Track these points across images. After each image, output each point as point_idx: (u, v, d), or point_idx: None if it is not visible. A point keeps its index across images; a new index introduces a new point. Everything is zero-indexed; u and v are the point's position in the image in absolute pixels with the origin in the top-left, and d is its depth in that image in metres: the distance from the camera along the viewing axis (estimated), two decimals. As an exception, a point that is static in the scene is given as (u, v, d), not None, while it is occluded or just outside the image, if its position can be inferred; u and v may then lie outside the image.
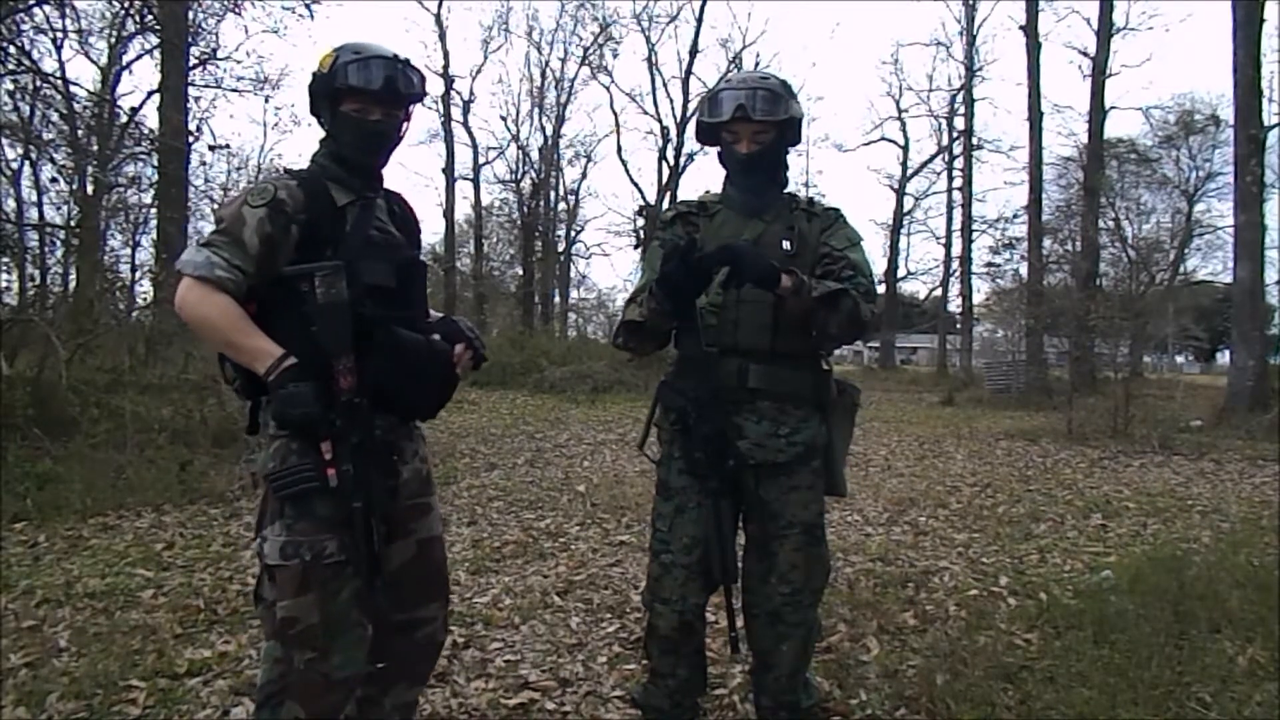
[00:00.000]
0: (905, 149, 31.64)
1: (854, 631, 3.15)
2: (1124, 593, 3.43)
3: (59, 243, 9.14)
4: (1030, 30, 18.60)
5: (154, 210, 10.20)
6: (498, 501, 5.64)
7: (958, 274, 28.21)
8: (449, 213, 26.09)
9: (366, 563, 1.68)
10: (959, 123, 28.13)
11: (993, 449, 9.12)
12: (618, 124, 28.16)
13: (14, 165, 10.73)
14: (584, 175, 30.44)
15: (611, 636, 3.13)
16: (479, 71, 32.29)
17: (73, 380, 6.40)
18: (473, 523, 4.99)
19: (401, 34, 34.88)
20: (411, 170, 35.25)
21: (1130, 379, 12.03)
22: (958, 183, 28.19)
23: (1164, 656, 2.69)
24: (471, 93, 27.23)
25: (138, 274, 10.54)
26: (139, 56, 12.80)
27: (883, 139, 31.71)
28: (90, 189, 9.37)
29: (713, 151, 2.23)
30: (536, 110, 27.07)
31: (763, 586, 2.18)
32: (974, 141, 26.91)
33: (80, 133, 9.54)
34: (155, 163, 10.04)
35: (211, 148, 9.76)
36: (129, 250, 10.63)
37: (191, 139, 9.78)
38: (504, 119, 33.25)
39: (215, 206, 11.53)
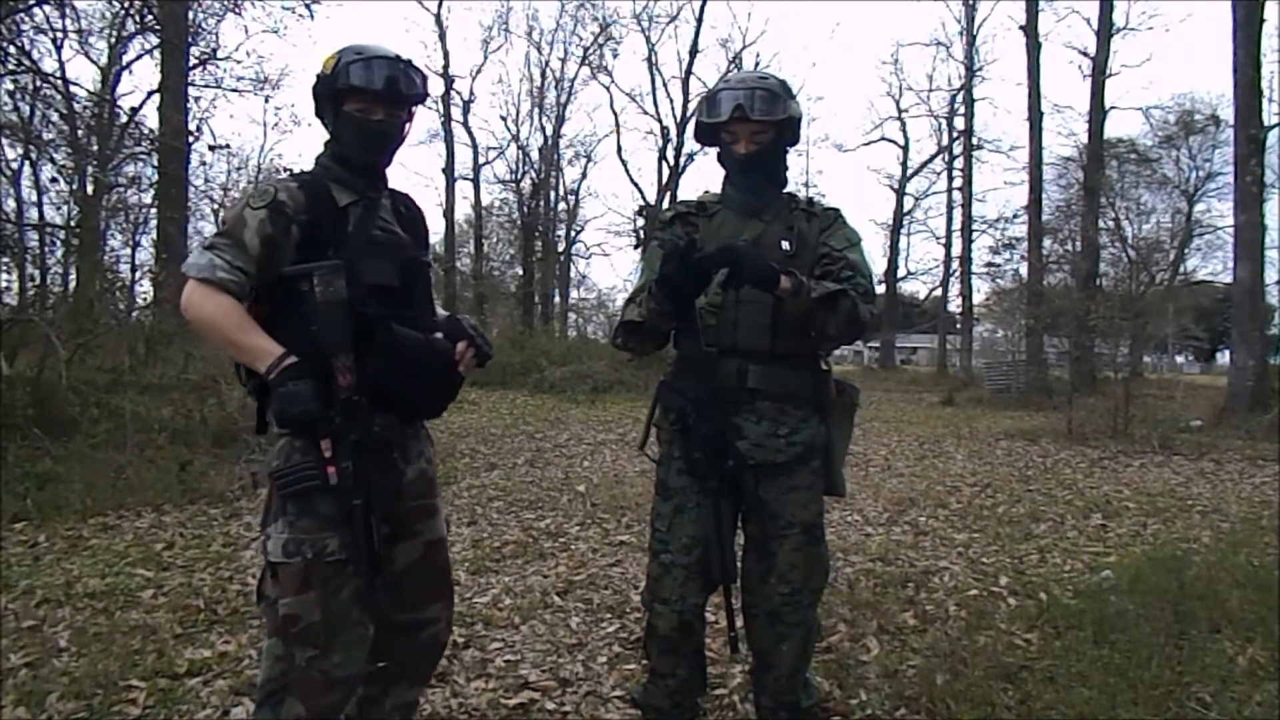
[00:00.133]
0: (905, 149, 31.69)
1: (854, 631, 3.15)
2: (1124, 593, 3.43)
3: (59, 243, 9.14)
4: (1030, 30, 18.60)
5: (154, 210, 10.21)
6: (498, 501, 5.64)
7: (958, 274, 28.24)
8: (449, 213, 26.11)
9: (367, 561, 1.68)
10: (959, 123, 28.16)
11: (993, 449, 9.12)
12: (618, 124, 28.20)
13: (14, 165, 10.75)
14: (584, 175, 30.49)
15: (611, 636, 3.13)
16: (479, 71, 32.33)
17: (73, 380, 6.40)
18: (473, 523, 4.99)
19: (401, 34, 34.93)
20: (411, 170, 35.18)
21: (1130, 379, 12.04)
22: (958, 183, 28.21)
23: (1164, 656, 2.69)
24: (471, 93, 27.25)
25: (138, 274, 10.58)
26: (139, 56, 12.83)
27: (883, 139, 31.75)
28: (90, 189, 9.37)
29: (712, 152, 2.22)
30: (536, 110, 27.11)
31: (762, 586, 2.18)
32: (974, 141, 26.94)
33: (80, 133, 9.54)
34: (155, 163, 10.06)
35: (211, 148, 9.80)
36: (129, 250, 10.65)
37: (191, 139, 9.80)
38: (504, 119, 33.29)
39: (215, 206, 11.58)
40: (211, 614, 3.24)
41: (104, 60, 12.71)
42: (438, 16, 25.58)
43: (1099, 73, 18.45)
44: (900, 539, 4.77)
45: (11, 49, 7.66)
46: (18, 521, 4.56)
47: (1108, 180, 20.19)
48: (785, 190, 2.25)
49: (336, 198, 1.82)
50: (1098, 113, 18.53)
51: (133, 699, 2.50)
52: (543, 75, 26.61)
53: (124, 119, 10.26)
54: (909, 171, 31.67)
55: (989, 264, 27.32)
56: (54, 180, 9.57)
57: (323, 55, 1.82)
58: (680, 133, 25.38)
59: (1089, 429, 10.12)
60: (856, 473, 7.01)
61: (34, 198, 11.30)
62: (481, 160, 27.21)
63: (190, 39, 10.87)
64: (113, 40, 11.99)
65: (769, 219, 2.17)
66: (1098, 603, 3.31)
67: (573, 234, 29.44)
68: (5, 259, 8.62)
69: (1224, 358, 27.39)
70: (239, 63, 13.55)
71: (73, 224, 8.96)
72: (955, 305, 29.79)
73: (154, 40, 11.13)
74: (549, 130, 27.05)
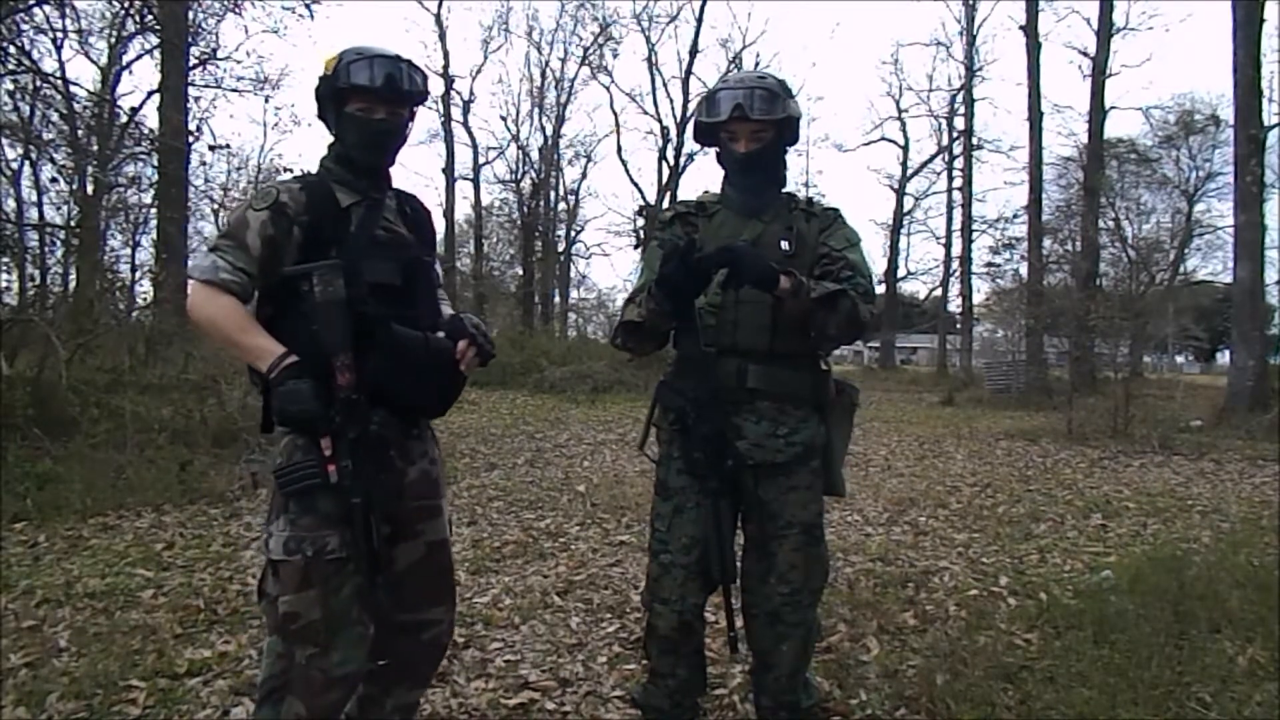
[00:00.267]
0: (905, 149, 31.69)
1: (854, 631, 3.15)
2: (1124, 593, 3.43)
3: (59, 243, 9.13)
4: (1030, 30, 18.60)
5: (154, 210, 10.21)
6: (498, 501, 5.64)
7: (958, 274, 28.24)
8: (449, 213, 26.13)
9: (366, 559, 1.68)
10: (959, 123, 28.16)
11: (993, 449, 9.12)
12: (618, 124, 28.19)
13: (14, 165, 10.75)
14: (584, 175, 30.47)
15: (611, 636, 3.13)
16: (479, 71, 32.32)
17: (73, 380, 6.40)
18: (473, 523, 4.99)
19: (401, 34, 35.03)
20: (411, 170, 35.17)
21: (1130, 379, 12.04)
22: (958, 183, 28.21)
23: (1164, 656, 2.69)
24: (471, 93, 27.26)
25: (138, 274, 10.56)
26: (139, 56, 12.82)
27: (883, 139, 31.75)
28: (90, 189, 9.37)
29: (712, 152, 2.23)
30: (536, 110, 27.12)
31: (762, 586, 2.18)
32: (974, 141, 26.94)
33: (80, 133, 9.54)
34: (155, 163, 10.05)
35: (211, 148, 9.79)
36: (129, 250, 10.63)
37: (191, 139, 9.80)
38: (504, 119, 33.30)
39: (215, 206, 11.59)
40: (211, 614, 3.24)
41: (104, 60, 12.73)
42: (438, 16, 25.66)
43: (1099, 73, 18.46)
44: (900, 539, 4.77)
45: (11, 49, 7.66)
46: (18, 521, 4.56)
47: (1108, 180, 20.20)
48: (785, 190, 2.25)
49: (339, 199, 1.83)
50: (1098, 113, 18.54)
51: (133, 699, 2.50)
52: (543, 75, 26.67)
53: (124, 119, 10.26)
54: (909, 171, 31.70)
55: (989, 264, 27.37)
56: (54, 180, 9.58)
57: (324, 57, 1.83)
58: (680, 133, 25.39)
59: (1089, 429, 10.12)
60: (856, 473, 7.01)
61: (34, 198, 11.31)
62: (481, 160, 27.28)
63: (190, 39, 10.87)
64: (113, 40, 12.00)
65: (768, 219, 2.17)
66: (1098, 603, 3.31)
67: (573, 234, 29.48)
68: (5, 259, 8.62)
69: (1224, 358, 27.39)
70: (239, 63, 13.58)
71: (73, 224, 8.95)
72: (955, 305, 29.84)
73: (154, 40, 11.13)
74: (549, 130, 27.10)
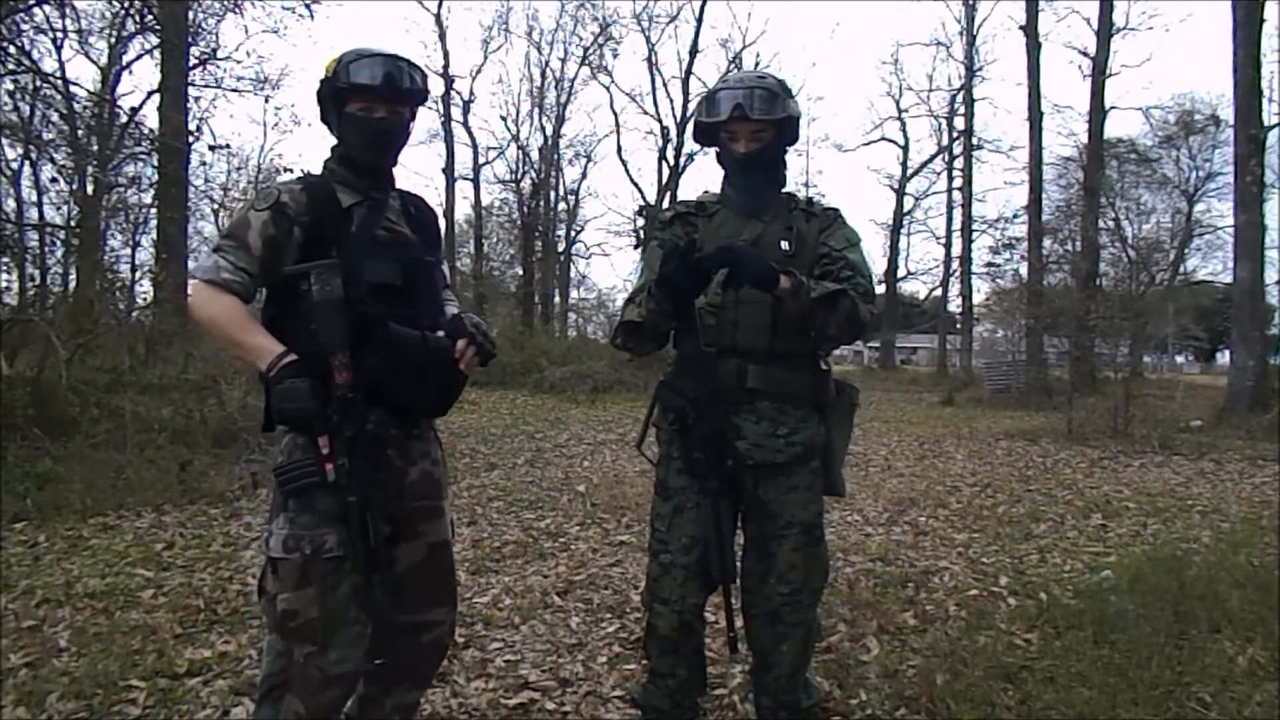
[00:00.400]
0: (905, 149, 31.70)
1: (854, 631, 3.15)
2: (1124, 593, 3.43)
3: (59, 243, 9.12)
4: (1030, 30, 18.60)
5: (154, 210, 10.21)
6: (498, 501, 5.64)
7: (958, 274, 28.24)
8: (449, 213, 26.13)
9: (363, 558, 1.69)
10: (959, 123, 28.17)
11: (993, 449, 9.12)
12: (618, 124, 28.21)
13: (14, 165, 10.74)
14: (584, 175, 30.50)
15: (611, 636, 3.13)
16: (479, 71, 32.39)
17: (73, 380, 6.40)
18: (473, 523, 4.99)
19: (401, 34, 35.11)
20: (411, 170, 35.16)
21: (1130, 379, 12.04)
22: (958, 183, 28.21)
23: (1164, 656, 2.69)
24: (471, 93, 27.30)
25: (138, 274, 10.56)
26: (139, 56, 12.81)
27: (883, 139, 31.77)
28: (90, 189, 9.36)
29: (712, 152, 2.23)
30: (536, 110, 27.13)
31: (762, 586, 2.18)
32: (974, 141, 26.94)
33: (80, 133, 9.53)
34: (155, 163, 10.05)
35: (211, 148, 9.79)
36: (129, 250, 10.63)
37: (191, 139, 9.79)
38: (504, 119, 33.34)
39: (215, 206, 11.59)
40: (211, 614, 3.24)
41: (104, 60, 12.73)
42: (438, 16, 25.68)
43: (1099, 73, 18.46)
44: (900, 539, 4.77)
45: (11, 49, 7.66)
46: (18, 521, 4.56)
47: (1108, 180, 20.19)
48: (784, 190, 2.25)
49: (341, 199, 1.83)
50: (1098, 113, 18.54)
51: (133, 699, 2.50)
52: (543, 75, 26.68)
53: (124, 119, 10.25)
54: (909, 171, 31.70)
55: (989, 264, 27.37)
56: (54, 180, 9.56)
57: (324, 58, 1.84)
58: (680, 133, 25.39)
59: (1089, 429, 10.12)
60: (856, 473, 7.01)
61: (34, 198, 11.30)
62: (481, 160, 27.29)
63: (190, 39, 10.86)
64: (113, 40, 12.00)
65: (768, 219, 2.17)
66: (1098, 603, 3.31)
67: (573, 234, 29.49)
68: (5, 259, 8.61)
69: (1224, 358, 27.39)
70: (239, 63, 13.55)
71: (73, 224, 8.95)
72: (955, 305, 29.84)
73: (154, 40, 11.13)
74: (549, 130, 27.11)
